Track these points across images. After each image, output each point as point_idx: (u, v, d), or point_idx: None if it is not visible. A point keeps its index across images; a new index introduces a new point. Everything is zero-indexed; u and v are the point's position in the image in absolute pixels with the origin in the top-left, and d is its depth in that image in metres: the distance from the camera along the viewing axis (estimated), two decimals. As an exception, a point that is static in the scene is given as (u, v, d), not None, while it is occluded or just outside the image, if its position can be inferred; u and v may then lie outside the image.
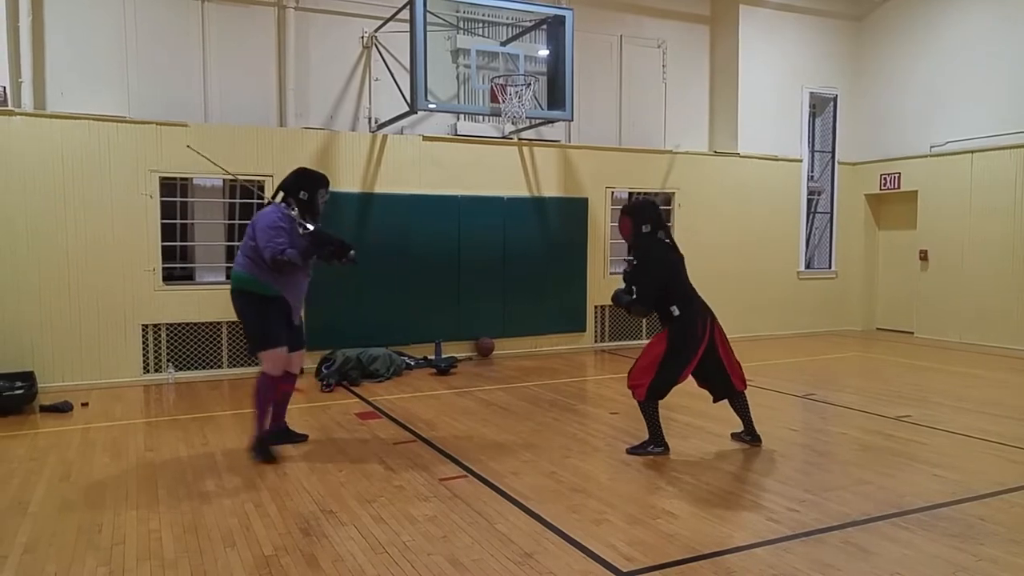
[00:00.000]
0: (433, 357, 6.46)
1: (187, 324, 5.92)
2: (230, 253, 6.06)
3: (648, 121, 8.20)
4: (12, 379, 5.00)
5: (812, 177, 8.96)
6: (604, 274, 7.57)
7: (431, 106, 6.18)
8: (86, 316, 5.56)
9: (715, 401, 3.98)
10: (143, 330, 5.78)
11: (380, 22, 6.66)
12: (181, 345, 5.91)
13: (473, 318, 6.95)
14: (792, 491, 3.24)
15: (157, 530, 2.83)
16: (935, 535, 2.76)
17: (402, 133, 6.82)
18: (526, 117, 6.56)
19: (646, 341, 4.98)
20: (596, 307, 7.58)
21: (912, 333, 8.41)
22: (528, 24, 7.03)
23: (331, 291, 6.37)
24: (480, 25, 7.23)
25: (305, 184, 3.76)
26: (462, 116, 7.12)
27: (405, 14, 6.03)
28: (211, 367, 6.00)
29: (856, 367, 6.62)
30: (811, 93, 8.73)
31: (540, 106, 6.79)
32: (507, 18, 7.22)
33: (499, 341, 7.06)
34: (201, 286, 6.01)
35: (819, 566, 2.50)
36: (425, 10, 5.86)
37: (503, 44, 7.17)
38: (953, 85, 7.96)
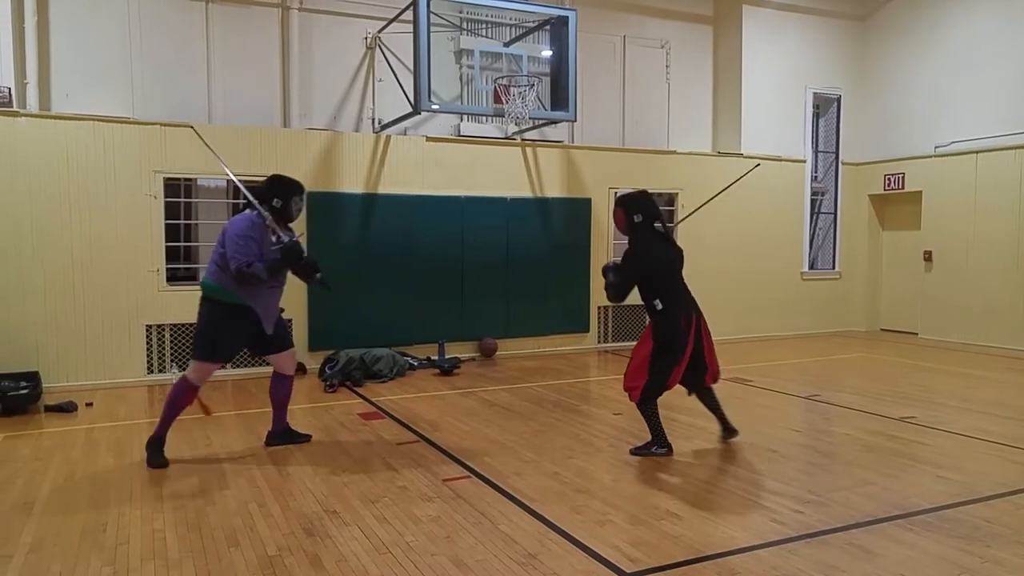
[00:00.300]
0: (436, 358, 6.46)
1: (191, 325, 5.87)
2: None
3: (651, 121, 8.19)
4: (17, 379, 5.03)
5: (816, 177, 8.94)
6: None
7: (434, 107, 6.19)
8: (90, 316, 5.58)
9: (689, 393, 3.91)
10: (147, 330, 5.80)
11: (383, 23, 6.67)
12: (185, 346, 5.92)
13: (476, 319, 6.95)
14: (796, 492, 3.23)
15: (161, 530, 2.84)
16: (940, 537, 2.75)
17: (405, 134, 6.83)
18: (529, 118, 6.56)
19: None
20: (599, 308, 7.57)
21: (916, 334, 8.38)
22: (531, 25, 7.03)
23: (334, 292, 6.38)
24: (483, 26, 7.24)
25: (279, 191, 3.66)
26: (465, 117, 7.13)
27: (408, 15, 6.04)
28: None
29: (860, 368, 6.60)
30: (815, 93, 8.71)
31: (543, 107, 6.79)
32: (510, 19, 7.23)
33: (502, 342, 7.06)
34: (205, 286, 6.03)
35: (823, 567, 2.49)
36: (428, 11, 5.87)
37: (506, 45, 7.17)
38: (958, 85, 7.93)
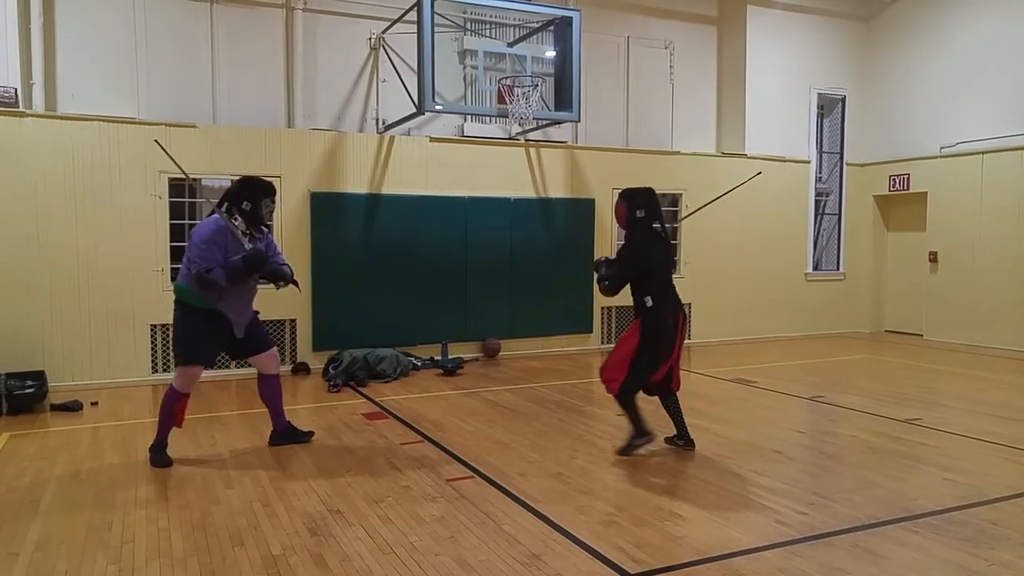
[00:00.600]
0: (440, 358, 6.46)
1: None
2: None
3: (655, 122, 8.18)
4: (23, 378, 5.04)
5: (820, 178, 8.91)
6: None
7: (438, 107, 6.20)
8: (95, 316, 5.60)
9: (648, 394, 3.85)
10: (151, 330, 5.82)
11: (387, 23, 6.68)
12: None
13: (479, 319, 6.95)
14: (800, 494, 3.22)
15: (166, 529, 2.84)
16: (946, 539, 2.73)
17: (409, 134, 6.84)
18: (533, 118, 6.56)
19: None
20: (603, 308, 7.57)
21: (921, 335, 8.34)
22: (535, 25, 7.03)
23: (338, 292, 6.40)
24: (487, 26, 7.24)
25: (249, 194, 3.61)
26: (469, 117, 7.13)
27: (412, 15, 6.04)
28: (218, 367, 6.02)
29: (864, 369, 6.58)
30: (819, 94, 8.69)
31: (547, 107, 6.79)
32: (514, 19, 7.23)
33: (505, 342, 7.06)
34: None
35: (828, 570, 2.48)
36: (432, 11, 5.87)
37: (510, 45, 7.18)
38: (963, 86, 7.90)
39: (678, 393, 3.87)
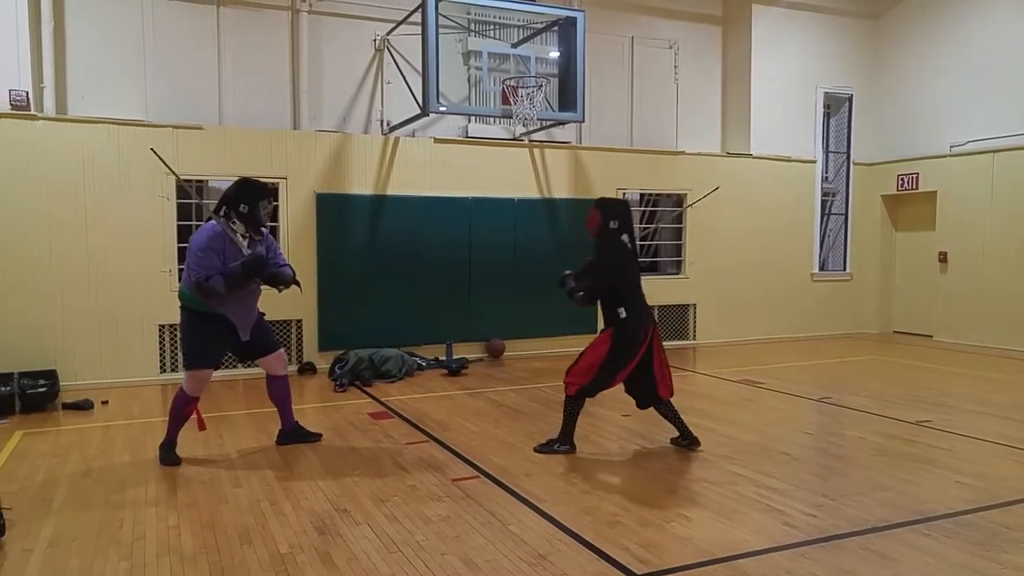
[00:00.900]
0: (444, 358, 6.48)
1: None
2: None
3: (660, 122, 8.16)
4: (35, 377, 5.11)
5: (826, 178, 8.86)
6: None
7: (442, 108, 6.21)
8: (105, 316, 5.65)
9: (641, 407, 3.92)
10: (159, 330, 5.86)
11: (392, 25, 6.70)
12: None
13: (484, 319, 6.96)
14: (808, 496, 3.20)
15: (176, 526, 2.87)
16: (958, 542, 2.71)
17: (414, 136, 6.85)
18: (537, 119, 6.56)
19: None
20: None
21: (931, 336, 8.28)
22: (539, 26, 7.04)
23: (344, 293, 6.43)
24: (491, 27, 7.25)
25: (246, 196, 3.58)
26: (473, 118, 7.14)
27: (417, 17, 6.06)
28: (226, 367, 6.05)
29: (873, 370, 6.53)
30: (825, 93, 8.64)
31: (551, 108, 6.79)
32: (518, 20, 7.23)
33: (510, 342, 7.07)
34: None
35: (838, 572, 2.47)
36: (437, 13, 5.89)
37: (514, 46, 7.18)
38: (973, 84, 7.83)
39: (676, 395, 3.88)
